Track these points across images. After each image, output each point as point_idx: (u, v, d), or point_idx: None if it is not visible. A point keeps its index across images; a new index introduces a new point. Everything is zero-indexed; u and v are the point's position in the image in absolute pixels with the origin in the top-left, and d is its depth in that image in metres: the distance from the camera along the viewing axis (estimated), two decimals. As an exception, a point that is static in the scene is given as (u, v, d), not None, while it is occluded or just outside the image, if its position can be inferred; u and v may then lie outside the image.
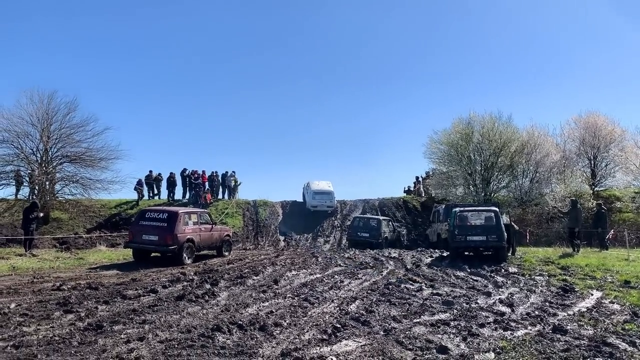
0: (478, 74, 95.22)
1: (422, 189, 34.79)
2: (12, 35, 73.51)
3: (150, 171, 30.07)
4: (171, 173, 30.28)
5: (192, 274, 12.54)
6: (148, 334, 6.69)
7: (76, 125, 26.30)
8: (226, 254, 17.76)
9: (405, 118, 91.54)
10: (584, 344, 6.42)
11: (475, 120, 30.19)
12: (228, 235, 18.42)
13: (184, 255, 15.30)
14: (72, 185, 26.26)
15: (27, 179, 24.87)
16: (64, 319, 7.68)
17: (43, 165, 25.15)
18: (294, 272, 13.13)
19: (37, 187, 24.55)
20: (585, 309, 8.72)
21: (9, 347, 6.03)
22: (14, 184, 24.96)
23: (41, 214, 18.51)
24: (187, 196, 30.04)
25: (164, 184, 30.57)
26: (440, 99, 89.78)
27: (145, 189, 29.62)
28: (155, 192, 30.60)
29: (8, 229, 22.40)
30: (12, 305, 8.54)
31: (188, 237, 15.48)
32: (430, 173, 33.75)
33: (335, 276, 12.59)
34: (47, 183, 25.44)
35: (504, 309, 8.80)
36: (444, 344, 6.32)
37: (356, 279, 12.27)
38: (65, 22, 77.73)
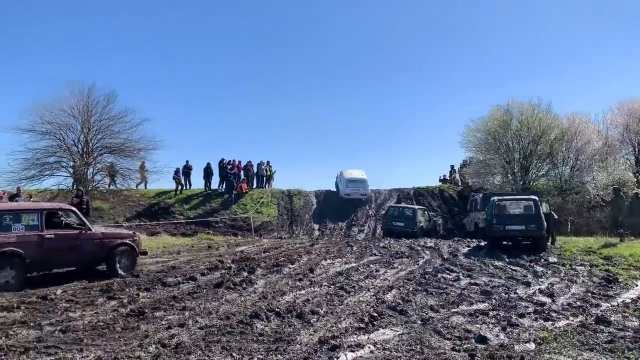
0: (517, 61, 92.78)
1: (458, 178, 34.31)
2: (53, 32, 75.59)
3: (187, 161, 30.55)
4: (208, 163, 30.66)
5: (230, 262, 12.73)
6: (188, 320, 6.84)
7: (115, 116, 26.87)
8: (121, 271, 11.04)
9: (441, 106, 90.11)
10: (628, 335, 6.25)
11: (513, 107, 29.52)
12: (125, 244, 11.51)
13: None
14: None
15: (71, 170, 25.60)
16: (107, 305, 7.93)
17: (84, 156, 25.87)
18: (329, 261, 13.17)
19: (79, 178, 25.25)
20: (630, 300, 8.47)
21: (56, 332, 6.26)
22: (57, 174, 25.75)
23: (85, 199, 18.98)
24: (223, 186, 30.39)
25: (196, 174, 31.02)
26: (478, 87, 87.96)
27: (182, 178, 30.09)
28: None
29: (52, 218, 23.12)
30: (59, 292, 8.87)
31: (6, 249, 9.57)
32: (467, 162, 33.24)
33: (371, 265, 12.58)
34: (108, 175, 26.46)
35: (544, 299, 8.64)
36: (482, 334, 6.26)
37: (392, 268, 12.23)
38: (104, 17, 79.43)
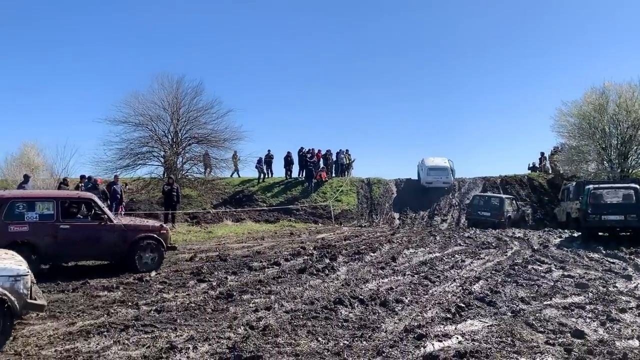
0: (614, 40, 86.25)
1: (548, 166, 32.57)
2: (138, 25, 79.62)
3: (269, 150, 31.22)
4: (288, 152, 31.19)
5: (312, 248, 12.89)
6: (274, 304, 7.00)
7: (202, 108, 28.02)
8: (142, 267, 9.98)
9: (531, 89, 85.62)
10: None
11: (610, 89, 27.43)
12: (150, 237, 10.29)
13: None
14: (199, 165, 28.18)
15: (162, 159, 27.03)
16: (198, 287, 8.30)
17: (174, 146, 27.18)
18: (411, 250, 12.98)
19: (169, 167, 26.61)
20: None
21: (152, 311, 6.63)
22: (149, 163, 27.28)
23: (175, 186, 19.89)
24: (303, 174, 30.78)
25: (277, 162, 31.68)
26: (571, 68, 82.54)
27: (264, 167, 30.83)
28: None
29: (146, 205, 24.56)
30: (153, 274, 9.40)
31: (17, 239, 8.88)
32: (559, 148, 31.44)
33: (456, 255, 12.24)
34: (204, 164, 28.16)
35: (648, 294, 8.01)
36: (579, 328, 5.90)
37: (478, 258, 11.84)
38: (185, 9, 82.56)
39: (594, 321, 6.36)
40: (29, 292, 5.48)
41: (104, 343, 5.34)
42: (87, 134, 62.16)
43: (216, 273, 9.45)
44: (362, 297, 7.40)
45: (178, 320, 6.20)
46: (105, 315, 6.45)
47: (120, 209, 18.26)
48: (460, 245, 14.35)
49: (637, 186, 15.39)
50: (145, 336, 5.60)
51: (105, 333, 5.67)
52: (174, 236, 16.39)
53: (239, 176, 30.94)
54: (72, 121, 65.60)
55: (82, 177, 19.48)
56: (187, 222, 21.82)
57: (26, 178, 17.19)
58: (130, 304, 7.10)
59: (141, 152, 26.84)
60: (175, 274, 9.53)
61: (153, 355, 4.97)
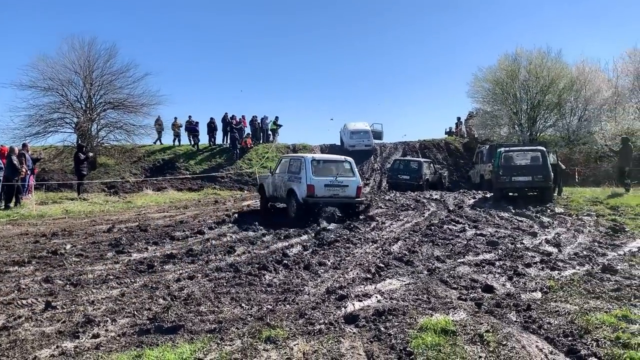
0: (527, 6, 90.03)
1: (464, 130, 34.02)
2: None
3: (190, 116, 30.30)
4: (211, 118, 30.44)
5: (237, 216, 12.80)
6: (197, 273, 6.91)
7: (117, 71, 26.73)
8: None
9: (449, 56, 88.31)
10: (635, 284, 6.25)
11: (522, 56, 28.94)
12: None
13: None
14: (116, 132, 26.93)
15: (74, 126, 25.59)
16: (117, 259, 7.99)
17: (87, 112, 25.75)
18: (335, 214, 13.18)
19: (83, 134, 25.23)
20: (636, 249, 8.45)
21: (67, 285, 6.33)
22: (61, 131, 25.78)
23: (90, 154, 18.97)
24: (228, 141, 30.23)
25: (200, 129, 30.99)
26: (488, 34, 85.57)
27: (187, 134, 29.95)
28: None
29: (59, 175, 23.29)
30: (68, 247, 8.94)
31: None
32: (474, 113, 32.86)
33: (377, 218, 12.60)
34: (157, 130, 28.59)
35: (550, 249, 8.66)
36: (489, 283, 6.28)
37: (397, 220, 12.26)
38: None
39: (502, 276, 6.79)
40: None
41: (14, 320, 5.05)
42: (-11, 100, 57.34)
43: (136, 244, 9.15)
44: (286, 262, 7.48)
45: (95, 294, 5.98)
46: (16, 292, 6.09)
47: (31, 179, 17.15)
48: (381, 207, 14.78)
49: (543, 149, 16.41)
50: (61, 311, 5.36)
51: (16, 310, 5.36)
52: (89, 207, 15.70)
53: (180, 144, 30.35)
54: (-29, 85, 60.05)
55: (-15, 145, 18.03)
56: (104, 192, 20.92)
57: None
58: (43, 278, 6.73)
59: (52, 119, 25.32)
60: (92, 246, 9.13)
61: (69, 330, 4.77)
